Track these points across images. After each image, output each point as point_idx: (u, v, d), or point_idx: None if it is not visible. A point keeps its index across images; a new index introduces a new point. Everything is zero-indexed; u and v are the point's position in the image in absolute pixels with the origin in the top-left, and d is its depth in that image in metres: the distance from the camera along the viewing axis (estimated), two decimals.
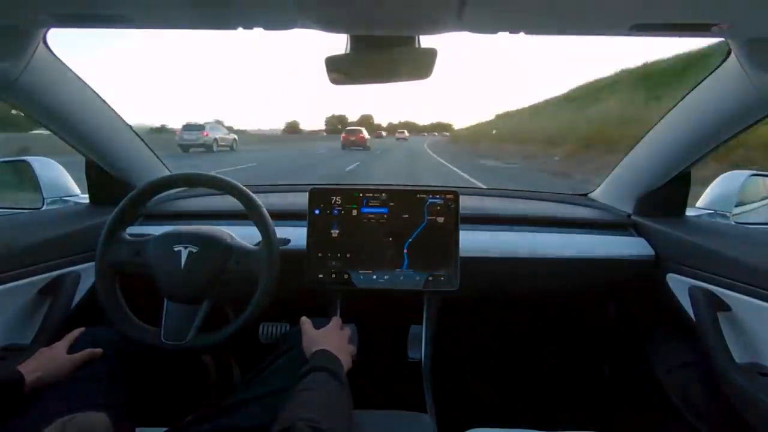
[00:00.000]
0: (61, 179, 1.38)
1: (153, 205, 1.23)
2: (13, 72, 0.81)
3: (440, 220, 1.06)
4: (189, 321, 0.88)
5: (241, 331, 0.88)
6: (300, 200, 1.11)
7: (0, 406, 0.68)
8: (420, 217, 1.06)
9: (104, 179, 1.18)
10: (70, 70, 0.94)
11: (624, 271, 1.14)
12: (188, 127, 17.62)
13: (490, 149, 18.90)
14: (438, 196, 1.06)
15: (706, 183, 1.38)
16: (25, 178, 1.35)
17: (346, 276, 1.05)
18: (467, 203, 1.14)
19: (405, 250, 1.05)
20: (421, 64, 0.82)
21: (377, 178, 9.42)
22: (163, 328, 0.88)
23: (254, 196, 0.93)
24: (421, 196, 1.06)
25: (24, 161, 1.35)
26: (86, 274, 1.02)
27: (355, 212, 1.07)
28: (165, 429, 0.78)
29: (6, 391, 0.70)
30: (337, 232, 1.06)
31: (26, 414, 0.68)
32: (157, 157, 1.31)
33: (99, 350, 0.83)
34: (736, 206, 1.29)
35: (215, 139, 17.86)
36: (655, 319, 1.18)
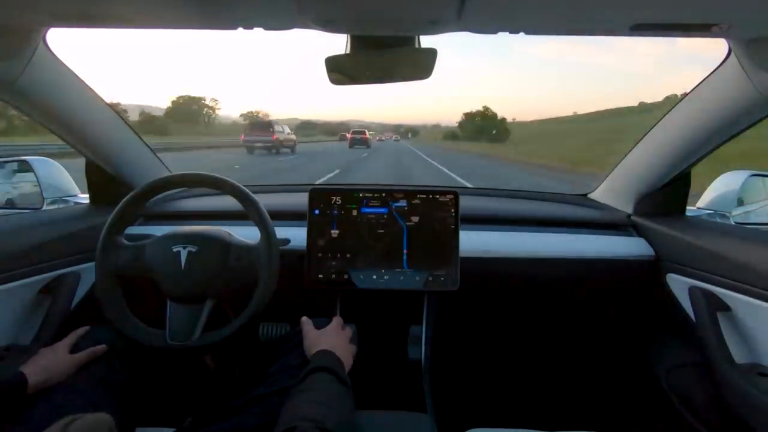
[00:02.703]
0: (61, 179, 1.37)
1: (153, 206, 1.23)
2: (13, 72, 0.81)
3: (440, 220, 1.06)
4: (193, 321, 0.88)
5: (243, 329, 0.88)
6: (300, 200, 1.10)
7: (3, 408, 0.68)
8: (420, 217, 1.06)
9: (104, 179, 1.18)
10: (70, 70, 0.94)
11: (624, 271, 1.14)
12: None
13: None
14: (438, 196, 1.06)
15: None
16: (25, 178, 1.35)
17: (346, 276, 1.05)
18: (467, 203, 1.14)
19: (405, 250, 1.05)
20: (421, 64, 0.82)
21: None
22: (168, 330, 0.88)
23: (251, 194, 0.93)
24: (422, 196, 1.06)
25: (24, 161, 1.35)
26: (86, 274, 1.02)
27: (355, 212, 1.07)
28: (166, 429, 0.78)
29: (9, 393, 0.70)
30: (337, 232, 1.06)
31: (29, 416, 0.67)
32: (157, 157, 1.31)
33: (101, 347, 0.83)
34: (736, 206, 1.29)
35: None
36: (655, 319, 1.18)
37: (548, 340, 1.44)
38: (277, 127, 20.05)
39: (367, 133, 31.02)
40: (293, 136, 22.67)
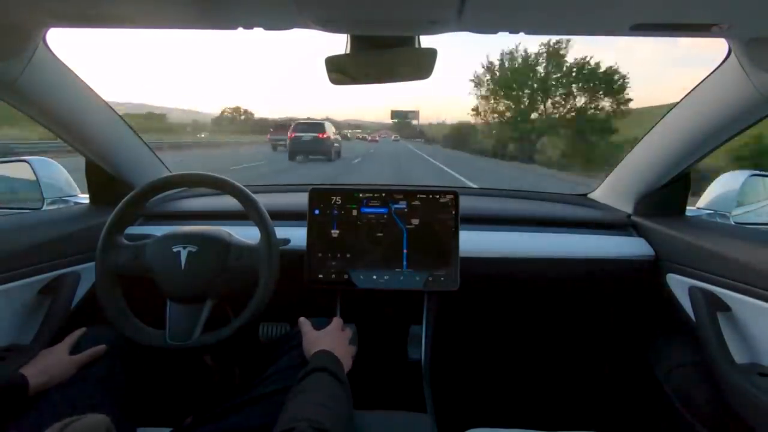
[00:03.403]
0: (61, 179, 1.37)
1: (152, 206, 1.23)
2: (13, 72, 0.81)
3: (440, 220, 1.05)
4: (193, 321, 0.88)
5: (243, 330, 0.88)
6: (300, 200, 1.10)
7: (4, 410, 0.68)
8: (419, 217, 1.06)
9: (104, 179, 1.18)
10: (70, 70, 0.94)
11: (624, 271, 1.14)
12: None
13: None
14: (438, 196, 1.06)
15: None
16: (25, 178, 1.35)
17: (346, 276, 1.05)
18: (467, 203, 1.13)
19: (405, 250, 1.05)
20: (421, 64, 0.82)
21: None
22: (168, 330, 0.88)
23: (251, 194, 0.94)
24: (422, 196, 1.06)
25: (24, 161, 1.35)
26: (86, 274, 1.02)
27: (354, 212, 1.06)
28: (166, 429, 0.78)
29: (10, 395, 0.69)
30: (337, 232, 1.06)
31: (29, 417, 0.67)
32: (157, 157, 1.31)
33: (101, 347, 0.83)
34: (736, 206, 1.28)
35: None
36: (655, 319, 1.18)
37: (548, 340, 1.43)
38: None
39: (328, 129, 15.69)
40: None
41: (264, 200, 0.94)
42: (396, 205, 1.06)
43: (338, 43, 0.80)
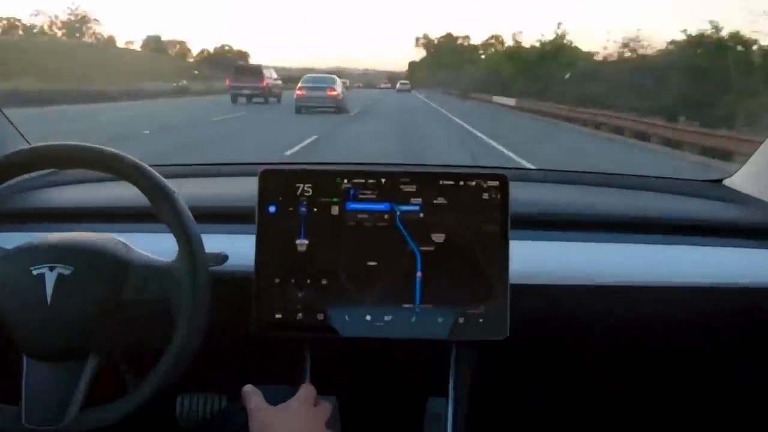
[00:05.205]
0: None
1: (2, 199, 0.96)
2: None
3: (477, 221, 0.76)
4: (66, 391, 0.68)
5: (150, 405, 0.67)
6: (244, 190, 0.85)
7: None
8: (444, 218, 0.76)
9: None
10: None
11: None
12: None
13: None
14: (473, 183, 0.76)
15: None
16: None
17: (320, 317, 0.77)
18: (522, 195, 0.86)
19: (419, 273, 0.76)
20: None
21: None
22: (24, 404, 0.67)
23: (163, 179, 0.70)
24: (447, 182, 0.76)
25: None
26: None
27: (335, 209, 0.77)
28: None
29: None
30: (306, 243, 0.77)
31: None
32: (12, 124, 1.04)
33: None
34: None
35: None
36: None
37: (650, 417, 1.08)
38: (266, 72, 18.47)
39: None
40: (280, 82, 20.83)
41: (185, 189, 0.71)
42: (403, 209, 0.76)
43: None
